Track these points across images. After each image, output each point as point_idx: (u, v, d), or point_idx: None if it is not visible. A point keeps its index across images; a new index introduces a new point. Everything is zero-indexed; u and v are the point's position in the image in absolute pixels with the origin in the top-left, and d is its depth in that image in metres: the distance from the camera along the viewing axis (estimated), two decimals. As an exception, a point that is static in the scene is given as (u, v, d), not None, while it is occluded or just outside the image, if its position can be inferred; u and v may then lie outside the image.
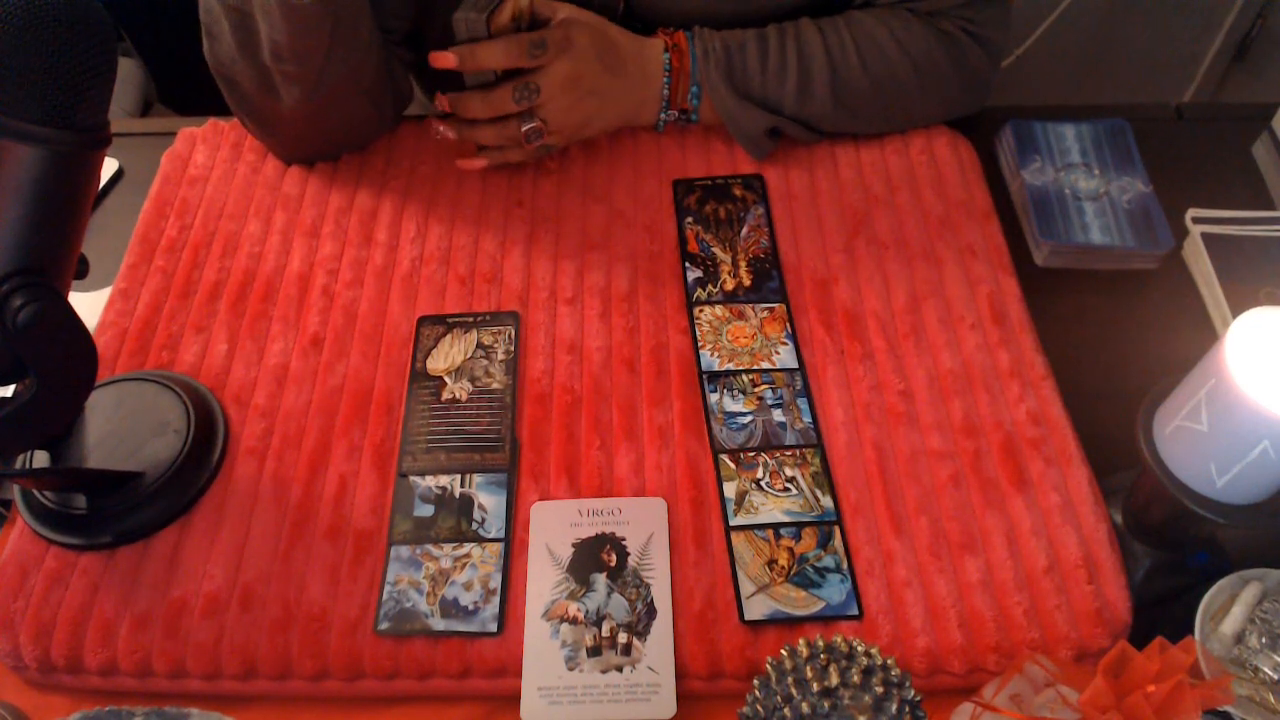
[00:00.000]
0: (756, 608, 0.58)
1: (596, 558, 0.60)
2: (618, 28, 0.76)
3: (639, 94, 0.77)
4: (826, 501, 0.62)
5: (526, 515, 0.62)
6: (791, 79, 0.75)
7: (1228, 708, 0.51)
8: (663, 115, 0.79)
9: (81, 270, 0.54)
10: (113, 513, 0.60)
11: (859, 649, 0.47)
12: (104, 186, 0.84)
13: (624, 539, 0.60)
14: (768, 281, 0.73)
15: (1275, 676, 0.53)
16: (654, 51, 0.76)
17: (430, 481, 0.63)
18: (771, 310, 0.71)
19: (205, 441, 0.64)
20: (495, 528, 0.61)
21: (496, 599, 0.58)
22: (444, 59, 0.69)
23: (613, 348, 0.69)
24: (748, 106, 0.76)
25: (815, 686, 0.45)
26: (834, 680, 0.45)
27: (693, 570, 0.59)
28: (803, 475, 0.63)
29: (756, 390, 0.67)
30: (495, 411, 0.66)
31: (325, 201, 0.78)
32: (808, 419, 0.65)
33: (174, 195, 0.79)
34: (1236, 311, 0.61)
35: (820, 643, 0.47)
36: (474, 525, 0.61)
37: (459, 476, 0.63)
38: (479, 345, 0.70)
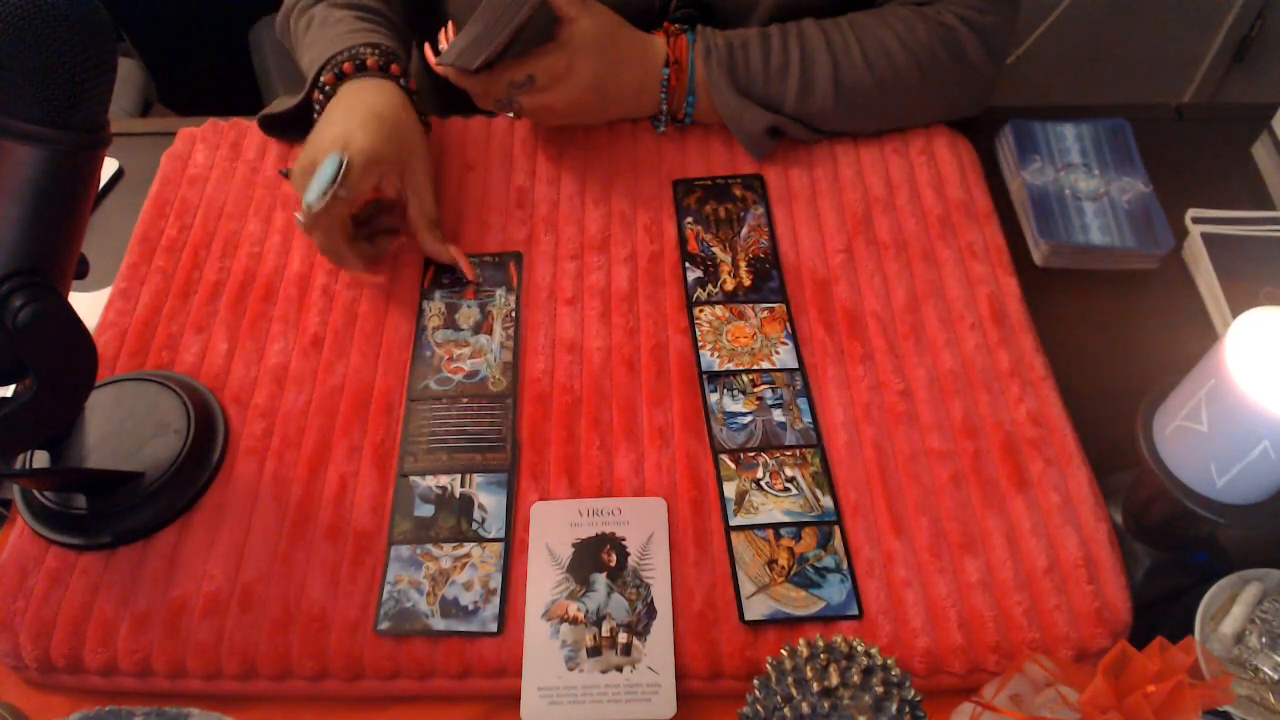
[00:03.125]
0: (756, 608, 0.58)
1: (596, 558, 0.60)
2: (627, 49, 0.75)
3: (632, 107, 0.79)
4: (826, 501, 0.62)
5: (526, 515, 0.62)
6: (794, 77, 0.75)
7: (1228, 708, 0.51)
8: (661, 128, 0.81)
9: (81, 270, 0.54)
10: (113, 513, 0.60)
11: (859, 649, 0.47)
12: (104, 186, 0.84)
13: (624, 539, 0.60)
14: (768, 281, 0.73)
15: (1275, 676, 0.53)
16: (653, 76, 0.76)
17: (430, 481, 0.63)
18: (771, 310, 0.71)
19: (205, 441, 0.64)
20: (495, 528, 0.61)
21: (496, 599, 0.58)
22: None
23: (613, 348, 0.69)
24: (749, 105, 0.76)
25: (815, 686, 0.45)
26: (834, 680, 0.45)
27: (693, 570, 0.59)
28: (803, 475, 0.63)
29: (756, 390, 0.67)
30: (495, 411, 0.66)
31: (325, 201, 0.78)
32: (808, 419, 0.65)
33: (174, 195, 0.79)
34: (1236, 311, 0.61)
35: (820, 643, 0.47)
36: (474, 525, 0.61)
37: (459, 476, 0.63)
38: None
